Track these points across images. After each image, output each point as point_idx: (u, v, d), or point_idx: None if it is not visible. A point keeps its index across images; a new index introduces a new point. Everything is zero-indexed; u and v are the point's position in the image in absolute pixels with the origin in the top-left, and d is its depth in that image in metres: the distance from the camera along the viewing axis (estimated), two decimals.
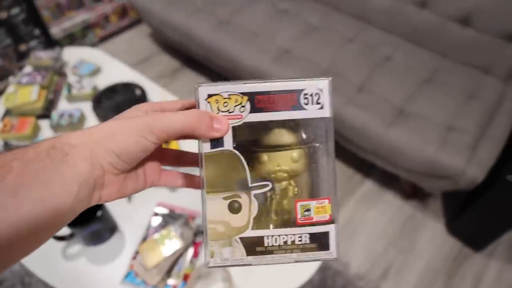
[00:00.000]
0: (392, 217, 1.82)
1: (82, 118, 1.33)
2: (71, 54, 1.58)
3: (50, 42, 2.45)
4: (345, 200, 1.88)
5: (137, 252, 0.97)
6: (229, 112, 0.35)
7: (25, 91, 1.35)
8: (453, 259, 1.69)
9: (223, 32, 2.02)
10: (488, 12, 1.70)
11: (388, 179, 1.93)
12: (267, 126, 0.36)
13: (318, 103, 0.36)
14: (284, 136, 0.36)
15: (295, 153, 0.36)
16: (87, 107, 1.36)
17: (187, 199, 1.08)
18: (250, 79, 0.36)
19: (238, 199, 0.36)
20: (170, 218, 1.04)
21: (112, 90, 1.38)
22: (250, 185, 0.36)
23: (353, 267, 1.65)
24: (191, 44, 2.16)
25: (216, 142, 0.35)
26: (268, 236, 0.36)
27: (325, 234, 0.37)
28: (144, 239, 1.00)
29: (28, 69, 1.50)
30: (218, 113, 0.35)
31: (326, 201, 0.36)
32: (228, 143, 0.35)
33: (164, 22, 2.24)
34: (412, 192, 1.86)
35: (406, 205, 1.86)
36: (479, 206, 1.58)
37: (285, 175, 0.36)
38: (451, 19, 1.80)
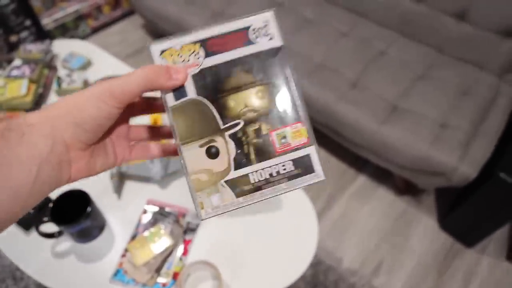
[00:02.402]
0: (384, 213, 1.82)
1: None
2: (61, 47, 1.55)
3: (41, 33, 2.42)
4: (338, 195, 1.87)
5: (126, 250, 0.96)
6: (185, 62, 0.36)
7: (14, 85, 1.32)
8: (444, 255, 1.69)
9: None
10: (485, 7, 1.70)
11: (381, 175, 1.92)
12: (226, 68, 0.36)
13: (267, 35, 0.36)
14: (244, 76, 0.36)
15: (258, 90, 0.36)
16: None
17: (177, 197, 1.07)
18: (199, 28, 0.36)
19: (214, 144, 0.36)
20: (160, 215, 1.03)
21: None
22: (222, 127, 0.36)
23: (345, 262, 1.65)
24: None
25: (179, 93, 0.35)
26: (252, 172, 0.36)
27: (307, 157, 0.36)
28: (134, 236, 0.99)
29: (17, 62, 1.47)
30: (175, 65, 0.36)
31: (299, 124, 0.36)
32: (191, 92, 0.36)
33: (157, 13, 2.21)
34: (405, 188, 1.86)
35: (399, 200, 1.86)
36: (472, 203, 1.58)
37: (254, 114, 0.36)
38: (447, 13, 1.79)
